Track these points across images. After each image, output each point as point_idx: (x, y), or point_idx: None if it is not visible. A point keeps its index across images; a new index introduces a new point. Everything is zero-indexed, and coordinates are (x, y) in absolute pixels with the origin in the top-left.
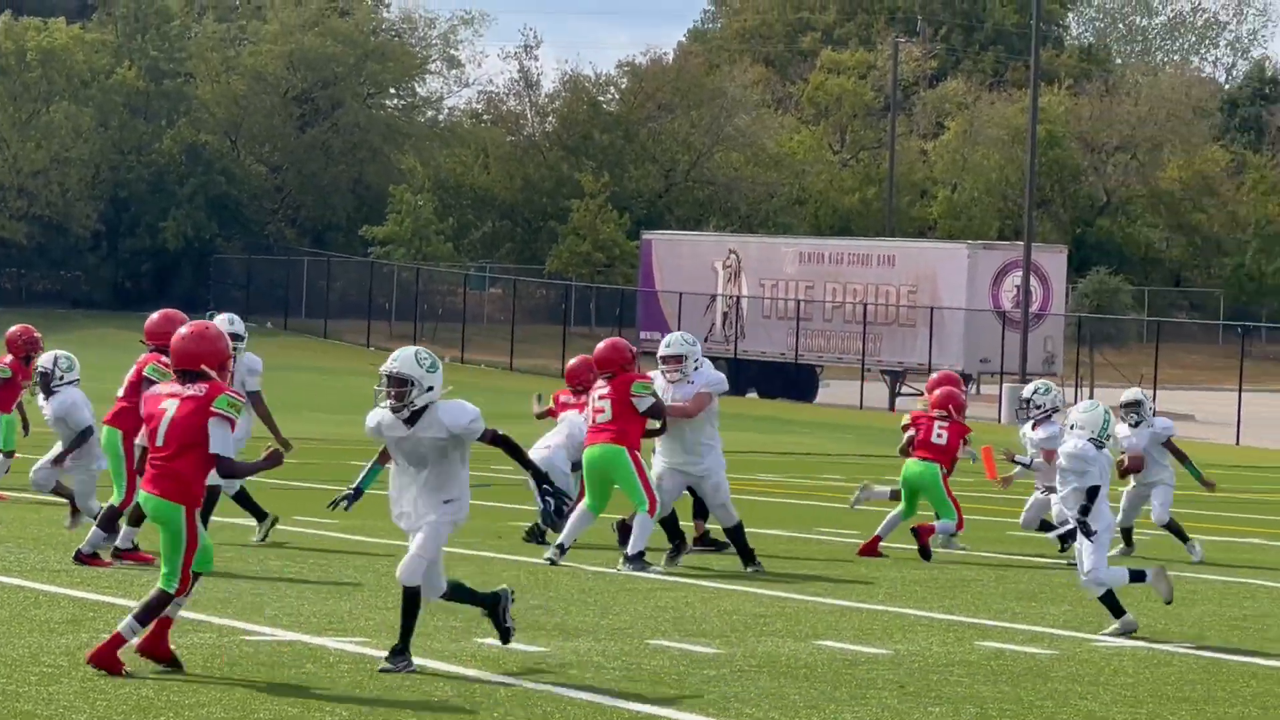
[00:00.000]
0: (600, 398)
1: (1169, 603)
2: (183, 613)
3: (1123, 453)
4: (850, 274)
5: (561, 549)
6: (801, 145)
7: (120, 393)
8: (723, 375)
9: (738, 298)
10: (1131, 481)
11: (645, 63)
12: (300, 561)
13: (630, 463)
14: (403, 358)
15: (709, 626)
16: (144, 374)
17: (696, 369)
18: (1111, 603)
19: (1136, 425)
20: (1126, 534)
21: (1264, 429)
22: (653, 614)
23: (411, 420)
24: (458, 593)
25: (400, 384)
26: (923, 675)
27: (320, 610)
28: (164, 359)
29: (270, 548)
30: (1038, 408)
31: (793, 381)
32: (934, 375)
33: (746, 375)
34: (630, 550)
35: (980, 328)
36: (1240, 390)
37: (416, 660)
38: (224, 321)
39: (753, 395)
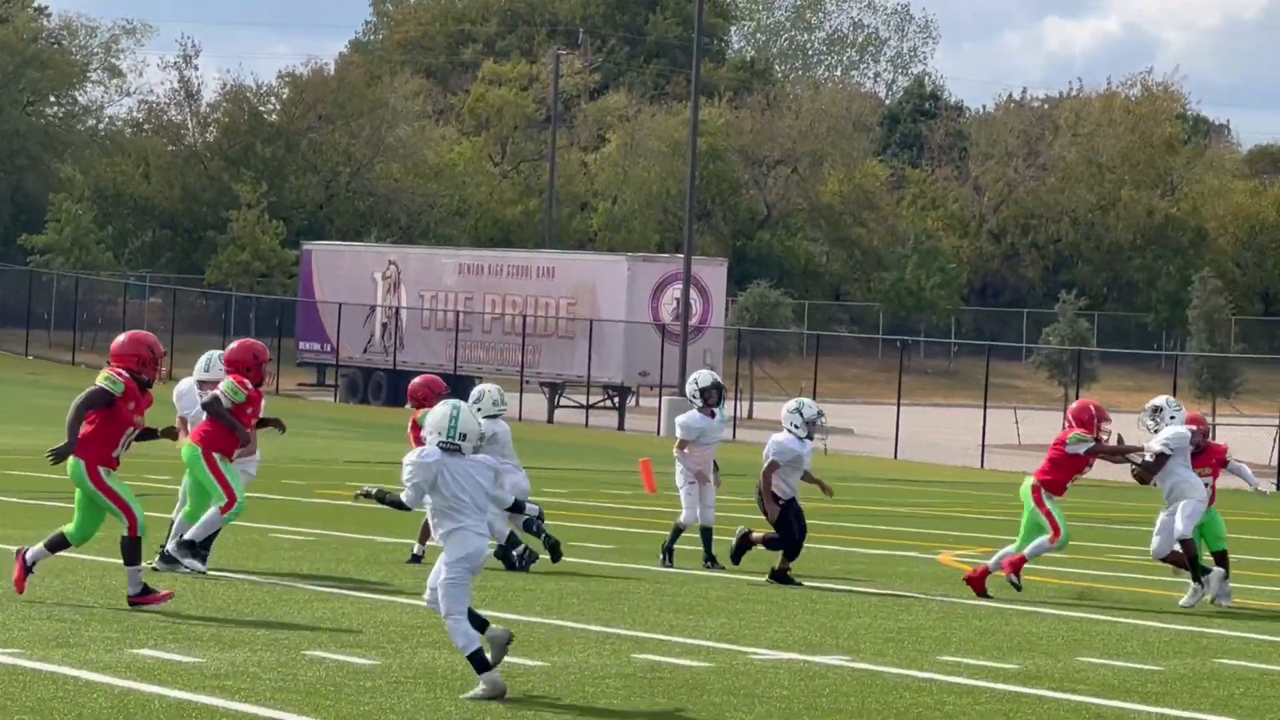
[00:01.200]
0: None
1: (490, 697)
2: None
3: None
4: (510, 286)
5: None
6: (462, 156)
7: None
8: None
9: (397, 309)
10: (1165, 504)
11: (306, 73)
12: None
13: (204, 462)
14: None
15: (366, 638)
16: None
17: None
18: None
19: (1156, 432)
20: (1210, 560)
21: (920, 443)
22: (310, 625)
23: None
24: None
25: None
26: (578, 688)
27: None
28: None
29: None
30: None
31: (451, 393)
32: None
33: (405, 386)
34: (189, 535)
35: (640, 340)
36: (899, 404)
37: (69, 670)
38: None
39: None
